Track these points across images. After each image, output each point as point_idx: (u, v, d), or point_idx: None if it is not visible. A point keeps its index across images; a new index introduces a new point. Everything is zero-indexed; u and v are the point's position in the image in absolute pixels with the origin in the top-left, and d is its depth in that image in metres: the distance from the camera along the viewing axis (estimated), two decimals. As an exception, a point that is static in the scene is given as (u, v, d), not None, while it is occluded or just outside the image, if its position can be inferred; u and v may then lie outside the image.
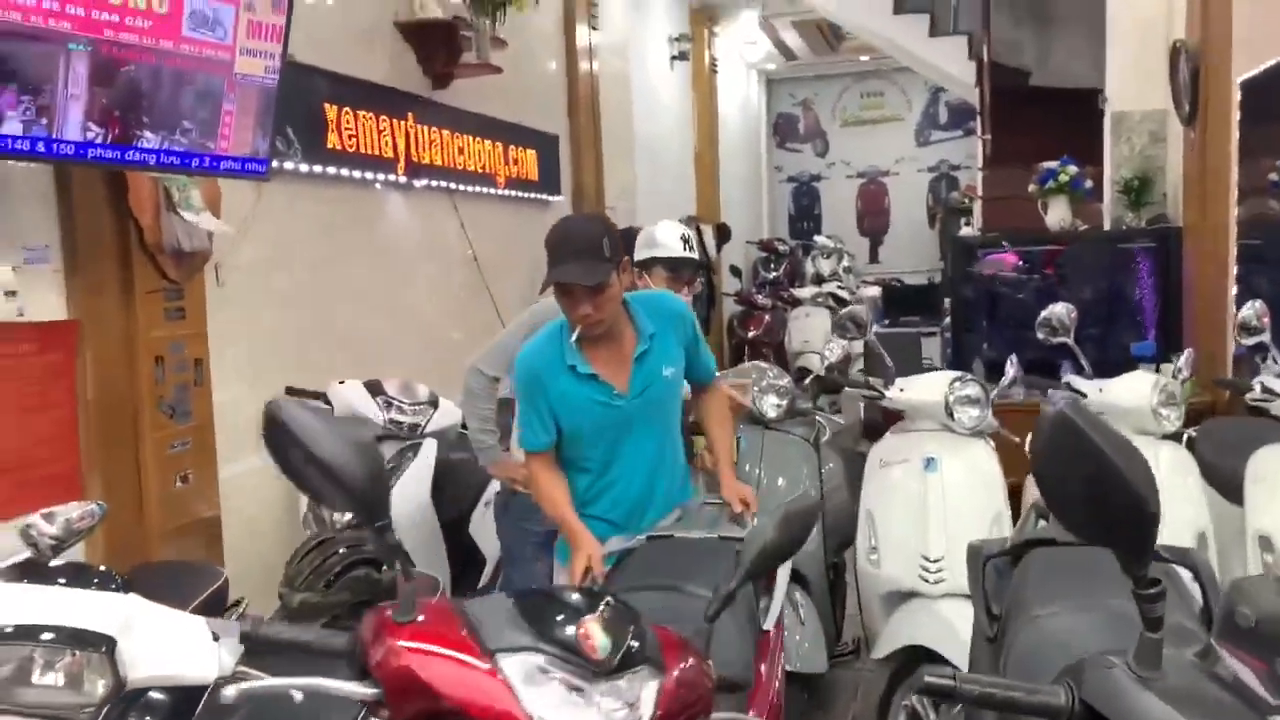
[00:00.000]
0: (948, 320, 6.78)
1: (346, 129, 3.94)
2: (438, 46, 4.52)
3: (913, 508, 2.99)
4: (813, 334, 9.87)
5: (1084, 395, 3.13)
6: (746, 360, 9.89)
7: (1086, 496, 1.07)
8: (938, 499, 2.99)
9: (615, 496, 2.54)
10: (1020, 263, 6.37)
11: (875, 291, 9.17)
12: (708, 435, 2.80)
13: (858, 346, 3.65)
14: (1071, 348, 3.26)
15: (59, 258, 2.72)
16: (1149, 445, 3.06)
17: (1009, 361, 3.41)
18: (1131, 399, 3.12)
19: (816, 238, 12.61)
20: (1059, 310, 3.27)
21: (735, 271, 10.25)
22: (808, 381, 3.58)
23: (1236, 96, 5.04)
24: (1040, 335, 3.34)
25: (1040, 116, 8.10)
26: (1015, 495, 3.90)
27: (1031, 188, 6.32)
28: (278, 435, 1.38)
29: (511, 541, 3.28)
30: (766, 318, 10.01)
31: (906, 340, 6.29)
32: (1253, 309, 3.12)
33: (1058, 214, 6.25)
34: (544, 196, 5.86)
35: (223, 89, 2.36)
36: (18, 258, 2.59)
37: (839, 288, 11.14)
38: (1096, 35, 7.14)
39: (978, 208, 8.56)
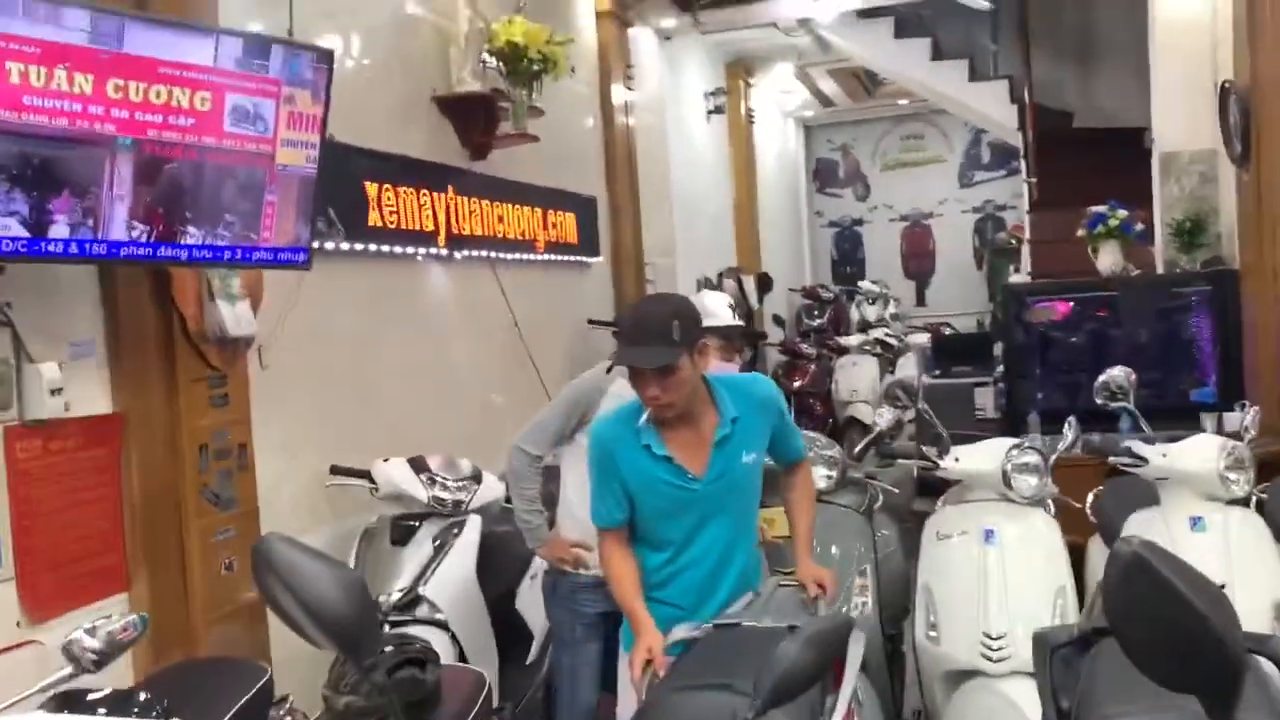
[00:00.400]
0: (1001, 369, 6.66)
1: (388, 205, 3.96)
2: (475, 119, 4.55)
3: (972, 582, 2.89)
4: (861, 383, 9.73)
5: (1146, 461, 3.01)
6: (793, 411, 9.80)
7: (1167, 642, 0.99)
8: (998, 572, 2.89)
9: (686, 581, 2.50)
10: (1073, 310, 6.24)
11: (924, 339, 9.03)
12: (789, 513, 2.76)
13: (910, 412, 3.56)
14: (1132, 412, 3.15)
15: (103, 351, 2.74)
16: (1217, 511, 2.95)
17: (1067, 424, 3.30)
18: (1197, 464, 3.00)
19: (861, 283, 12.50)
20: (1117, 374, 3.19)
21: (778, 321, 10.18)
22: (858, 450, 3.48)
23: (1290, 138, 4.92)
24: (1099, 400, 3.24)
25: (1086, 157, 7.99)
26: (1077, 555, 3.78)
27: (1081, 233, 6.21)
28: (265, 575, 1.35)
29: (561, 623, 3.24)
30: (812, 367, 9.89)
31: (959, 391, 6.16)
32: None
33: (1109, 258, 6.13)
34: (583, 259, 5.86)
35: (264, 181, 2.38)
36: (64, 353, 2.61)
37: (886, 334, 11.03)
38: (1140, 74, 7.05)
39: (1026, 251, 8.44)
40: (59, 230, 2.06)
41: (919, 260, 13.54)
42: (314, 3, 3.68)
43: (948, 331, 10.83)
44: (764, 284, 9.87)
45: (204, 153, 2.25)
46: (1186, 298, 6.14)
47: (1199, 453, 3.03)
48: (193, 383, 2.93)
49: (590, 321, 5.72)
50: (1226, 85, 5.51)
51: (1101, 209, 6.11)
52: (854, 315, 12.00)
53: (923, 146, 13.41)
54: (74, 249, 2.10)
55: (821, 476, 3.25)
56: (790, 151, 12.71)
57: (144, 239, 2.21)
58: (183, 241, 2.32)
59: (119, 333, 2.75)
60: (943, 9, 7.63)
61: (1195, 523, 2.89)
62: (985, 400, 6.77)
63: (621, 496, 2.45)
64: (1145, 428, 3.22)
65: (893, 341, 11.07)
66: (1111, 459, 3.05)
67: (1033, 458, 3.01)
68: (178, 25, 2.27)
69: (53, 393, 2.49)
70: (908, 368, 8.70)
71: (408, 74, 4.28)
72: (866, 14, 7.98)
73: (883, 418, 3.41)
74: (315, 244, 3.49)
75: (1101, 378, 3.35)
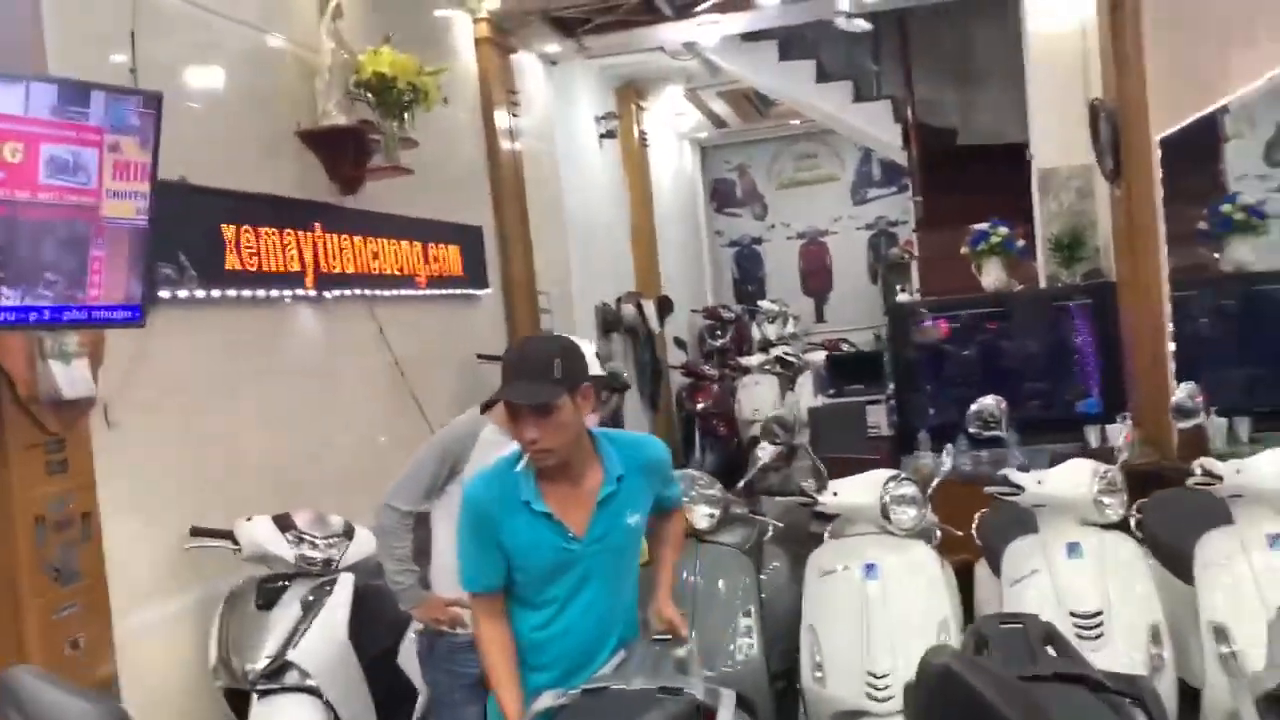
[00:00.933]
0: (892, 387, 6.72)
1: (247, 247, 3.78)
2: (344, 153, 4.38)
3: (855, 619, 2.85)
4: (763, 402, 9.74)
5: (1021, 489, 3.01)
6: (698, 433, 9.78)
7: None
8: (880, 608, 2.85)
9: (563, 647, 2.39)
10: (960, 326, 6.32)
11: (820, 357, 9.09)
12: (653, 548, 2.65)
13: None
14: (1004, 438, 3.15)
15: (-82, 423, 2.52)
16: (1093, 536, 2.95)
17: (945, 451, 3.29)
18: (1071, 490, 3.01)
19: (760, 302, 12.58)
20: (989, 403, 3.18)
21: (680, 344, 10.15)
22: (740, 485, 3.41)
23: (1157, 154, 5.05)
24: (972, 430, 3.23)
25: (970, 174, 8.14)
26: (966, 575, 3.78)
27: (964, 250, 6.29)
28: (8, 712, 1.20)
29: (439, 685, 3.08)
30: (715, 388, 9.90)
31: (851, 410, 6.18)
32: (1186, 391, 3.04)
33: (993, 275, 6.22)
34: (470, 291, 5.73)
35: (89, 235, 2.20)
36: None
37: (786, 353, 11.09)
38: (1019, 91, 7.21)
39: (915, 268, 8.56)
40: None
41: (817, 277, 13.68)
42: (162, 39, 3.50)
43: (846, 347, 10.93)
44: (664, 307, 9.83)
45: (17, 208, 2.07)
46: (1068, 311, 6.28)
47: (1072, 479, 3.04)
48: (25, 450, 2.72)
49: (480, 356, 5.58)
50: (1095, 104, 5.64)
51: (983, 226, 6.21)
52: (755, 334, 12.07)
53: (816, 165, 13.57)
54: None
55: (703, 516, 3.18)
56: (687, 172, 12.74)
57: None
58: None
59: (-65, 401, 2.53)
60: (825, 32, 7.71)
61: (1072, 549, 2.89)
62: (878, 418, 6.82)
63: (498, 559, 2.33)
64: (1020, 458, 3.22)
65: (792, 359, 11.17)
66: (988, 489, 3.05)
67: (910, 489, 2.99)
68: None
69: None
70: (805, 387, 8.75)
71: (270, 109, 4.10)
72: (751, 37, 8.02)
73: (764, 452, 3.35)
74: (167, 292, 3.34)
75: (974, 407, 3.35)
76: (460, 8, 6.03)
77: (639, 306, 9.14)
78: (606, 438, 2.42)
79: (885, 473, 3.08)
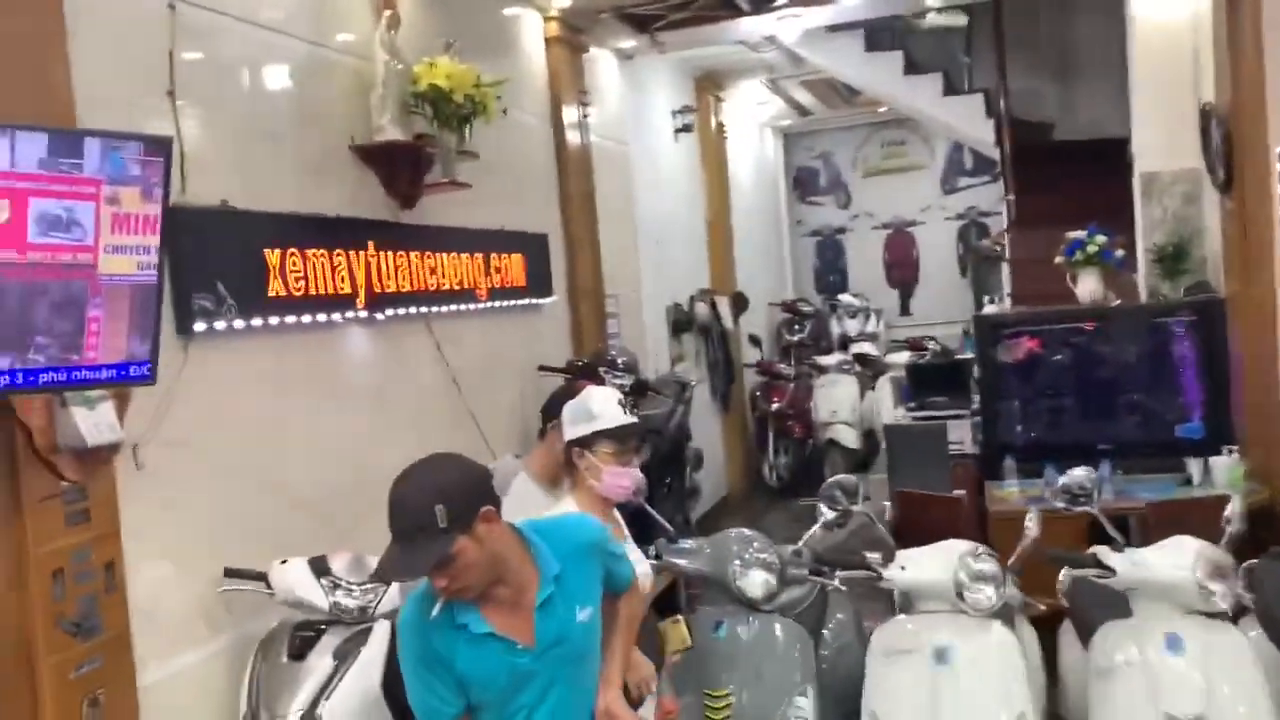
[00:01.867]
0: (977, 402, 6.34)
1: (293, 271, 3.63)
2: (400, 168, 4.22)
3: (922, 711, 2.58)
4: (840, 404, 9.45)
5: (1113, 571, 2.70)
6: (771, 435, 9.49)
7: None
8: (950, 700, 2.58)
9: None
10: (1047, 342, 5.92)
11: (902, 359, 8.69)
12: (603, 639, 2.36)
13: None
14: (1095, 516, 2.83)
15: (-72, 481, 2.41)
16: (1196, 627, 2.63)
17: (1029, 516, 2.97)
18: (1172, 574, 2.68)
19: (841, 296, 12.22)
20: (1079, 475, 2.87)
21: (755, 341, 9.86)
22: (798, 548, 3.14)
23: (1276, 167, 4.61)
24: (1060, 504, 2.91)
25: (1067, 171, 7.68)
26: (1047, 629, 3.47)
27: (1059, 260, 5.90)
28: None
29: None
30: (791, 387, 9.61)
31: (931, 431, 5.83)
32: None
33: (1088, 286, 5.81)
34: (534, 301, 5.54)
35: (85, 295, 2.04)
36: (-127, 490, 2.28)
37: (867, 351, 10.71)
38: (1121, 84, 6.75)
39: (1005, 270, 8.13)
40: None
41: (902, 269, 13.24)
42: (203, 55, 3.36)
43: (932, 345, 10.47)
44: (739, 304, 9.56)
45: (2, 270, 1.92)
46: (1170, 327, 5.83)
47: (1173, 560, 2.71)
48: (41, 502, 2.60)
49: (541, 368, 5.41)
50: (1207, 108, 5.19)
51: (1080, 234, 5.80)
52: (835, 329, 11.72)
53: (904, 152, 13.10)
54: None
55: (758, 584, 2.93)
56: (769, 161, 12.39)
57: None
58: None
59: (-54, 458, 2.42)
60: (914, 21, 7.30)
61: (1172, 642, 2.58)
62: (962, 433, 6.46)
63: (450, 684, 2.12)
64: (1113, 533, 2.88)
65: (875, 355, 10.78)
66: (1076, 571, 2.74)
67: (988, 565, 2.71)
68: None
69: None
70: (884, 392, 8.39)
71: (321, 124, 3.94)
72: (836, 27, 7.65)
73: (822, 517, 3.09)
74: (202, 325, 3.21)
75: (1063, 480, 3.03)
76: (530, 6, 5.82)
77: (713, 304, 8.88)
78: (534, 531, 2.20)
79: (960, 544, 2.80)
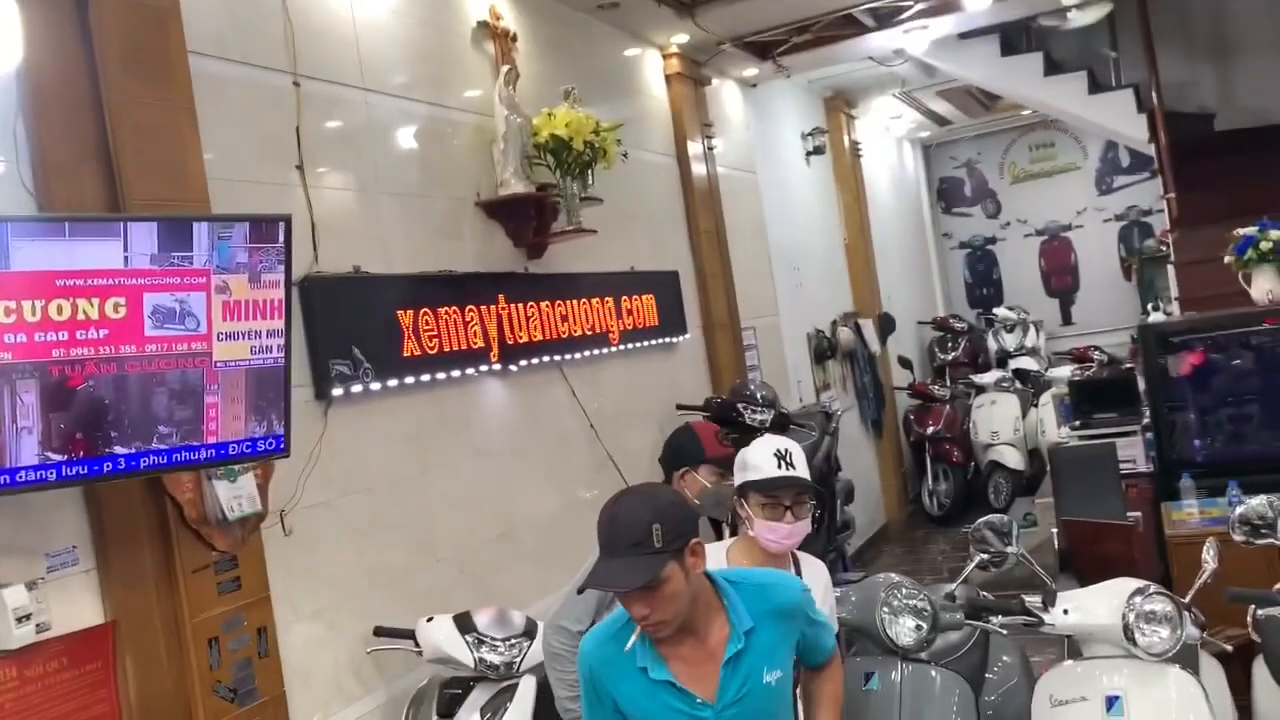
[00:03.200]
0: (1147, 418, 5.93)
1: (426, 330, 3.70)
2: (526, 220, 4.27)
3: (1095, 766, 2.37)
4: (1001, 424, 9.04)
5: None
6: (929, 460, 9.13)
7: None
8: (1127, 755, 2.36)
9: None
10: (1222, 349, 5.49)
11: (1066, 373, 8.22)
12: (806, 708, 2.30)
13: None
14: (1283, 546, 2.56)
15: (90, 555, 2.53)
16: None
17: (1206, 548, 2.72)
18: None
19: (996, 310, 11.72)
20: (1257, 505, 2.59)
21: (905, 363, 9.54)
22: (952, 589, 2.96)
23: None
24: (1238, 538, 2.65)
25: (1231, 163, 7.17)
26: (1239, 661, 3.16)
27: (1228, 259, 5.48)
28: None
29: None
30: (946, 409, 9.23)
31: (1100, 452, 5.46)
32: None
33: (1264, 285, 5.38)
34: (668, 339, 5.51)
35: (202, 383, 2.10)
36: (38, 569, 2.41)
37: (1027, 366, 10.23)
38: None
39: (1171, 272, 7.63)
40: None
41: (1061, 276, 12.63)
42: (328, 127, 3.48)
43: (1097, 355, 9.91)
44: (885, 325, 9.28)
45: (123, 364, 2.01)
46: (1363, 328, 5.32)
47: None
48: (195, 573, 2.70)
49: (680, 407, 5.35)
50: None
51: (1250, 231, 5.37)
52: (991, 345, 11.24)
53: (1054, 155, 12.54)
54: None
55: (909, 631, 2.77)
56: (909, 175, 12.06)
57: (64, 460, 1.98)
58: (113, 454, 2.08)
59: (106, 534, 2.54)
60: (1050, 21, 6.97)
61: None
62: (1133, 451, 6.04)
63: None
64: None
65: (1036, 370, 10.27)
66: (1263, 611, 2.47)
67: (1162, 605, 2.47)
68: (78, 222, 2.03)
69: (20, 619, 2.29)
70: (1048, 410, 7.95)
71: (446, 182, 4.03)
72: (969, 33, 7.38)
73: (974, 559, 2.90)
74: (340, 390, 3.30)
75: (1239, 510, 2.76)
76: (649, 45, 5.84)
77: (856, 327, 8.66)
78: (730, 582, 2.11)
79: (1129, 583, 2.57)
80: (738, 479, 2.69)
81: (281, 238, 2.25)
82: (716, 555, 2.60)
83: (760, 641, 2.05)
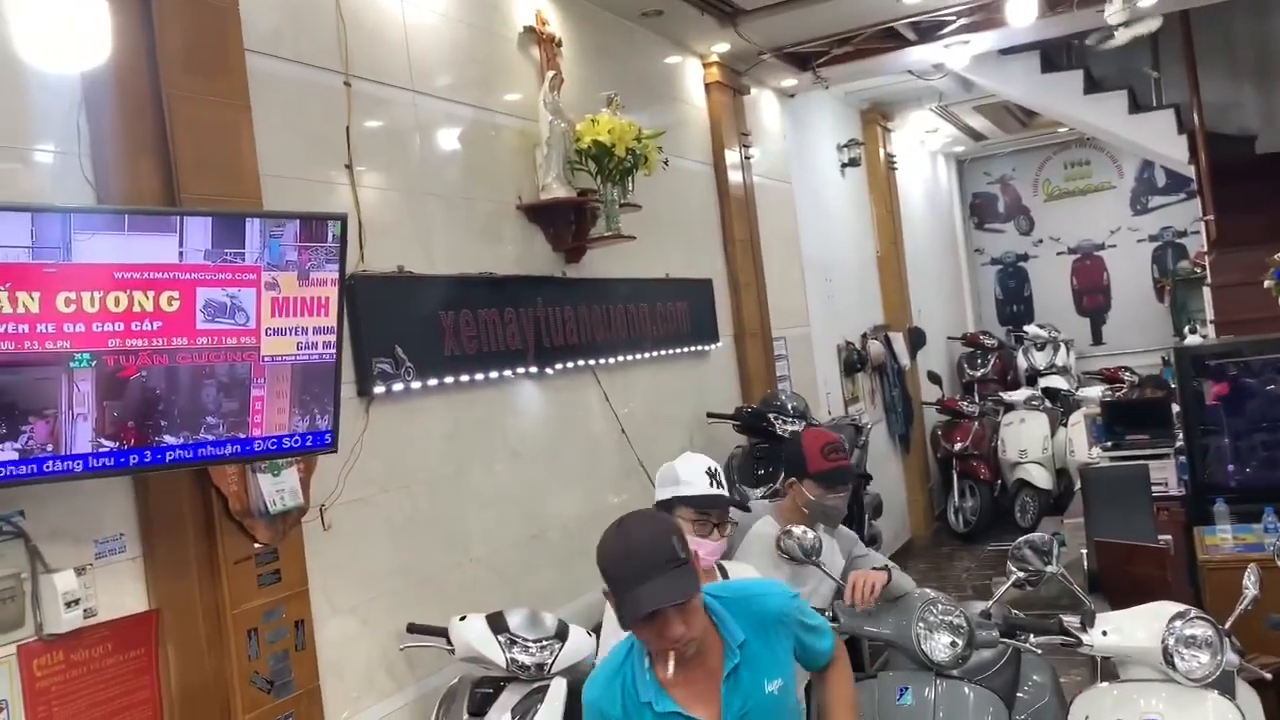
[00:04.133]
0: (1180, 440, 5.89)
1: (466, 331, 3.73)
2: (566, 225, 4.30)
3: (1132, 793, 2.36)
4: (1030, 442, 9.00)
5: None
6: (956, 476, 9.09)
7: None
8: (1163, 781, 2.34)
9: None
10: (1264, 372, 5.44)
11: (1096, 393, 8.18)
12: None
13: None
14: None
15: (137, 544, 2.57)
16: None
17: (1248, 574, 2.70)
18: None
19: (1027, 327, 11.65)
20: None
21: (934, 378, 9.50)
22: (988, 607, 2.95)
23: None
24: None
25: (1272, 186, 7.12)
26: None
27: (1268, 283, 5.45)
28: None
29: None
30: (975, 426, 9.20)
31: (1132, 473, 5.43)
32: None
33: (1301, 311, 5.34)
34: (701, 347, 5.51)
35: (249, 376, 2.16)
36: (87, 555, 2.45)
37: (1057, 384, 10.16)
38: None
39: (1207, 295, 7.57)
40: (8, 454, 1.90)
41: (1093, 295, 12.55)
42: (377, 127, 3.51)
43: (1128, 376, 9.83)
44: (916, 339, 9.26)
45: (175, 355, 2.06)
46: (1401, 353, 5.26)
47: None
48: (237, 564, 2.73)
49: (710, 415, 5.36)
50: None
51: (1287, 257, 5.34)
52: (1021, 363, 11.18)
53: (1089, 173, 12.47)
54: (28, 469, 1.93)
55: (943, 647, 2.76)
56: (942, 189, 12.02)
57: (116, 449, 2.03)
58: (163, 444, 2.12)
59: (152, 523, 2.57)
60: (1094, 39, 6.94)
61: None
62: (1166, 473, 5.99)
63: None
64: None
65: (1066, 389, 10.20)
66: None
67: (1202, 630, 2.46)
68: (137, 215, 2.08)
69: (69, 604, 2.33)
70: (1079, 431, 7.90)
71: (489, 185, 4.06)
72: (1009, 50, 7.36)
73: (1012, 576, 2.89)
74: (382, 387, 3.33)
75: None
76: (690, 53, 5.86)
77: (887, 341, 8.64)
78: (715, 597, 2.10)
79: (1170, 607, 2.55)
80: (665, 492, 2.76)
81: (331, 236, 2.29)
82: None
83: (755, 653, 2.04)
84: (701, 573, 2.51)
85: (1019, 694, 3.18)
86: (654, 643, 1.98)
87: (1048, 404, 9.37)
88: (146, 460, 2.20)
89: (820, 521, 3.15)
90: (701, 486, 2.70)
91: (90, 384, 1.94)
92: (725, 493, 2.73)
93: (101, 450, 2.11)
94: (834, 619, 3.00)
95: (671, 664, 1.96)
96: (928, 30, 6.20)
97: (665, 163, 4.55)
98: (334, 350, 2.34)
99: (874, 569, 3.10)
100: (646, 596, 1.90)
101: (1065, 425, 9.01)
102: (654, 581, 1.91)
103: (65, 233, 1.91)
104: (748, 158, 6.28)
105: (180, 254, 2.03)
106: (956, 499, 8.91)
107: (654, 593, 1.90)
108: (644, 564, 1.93)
